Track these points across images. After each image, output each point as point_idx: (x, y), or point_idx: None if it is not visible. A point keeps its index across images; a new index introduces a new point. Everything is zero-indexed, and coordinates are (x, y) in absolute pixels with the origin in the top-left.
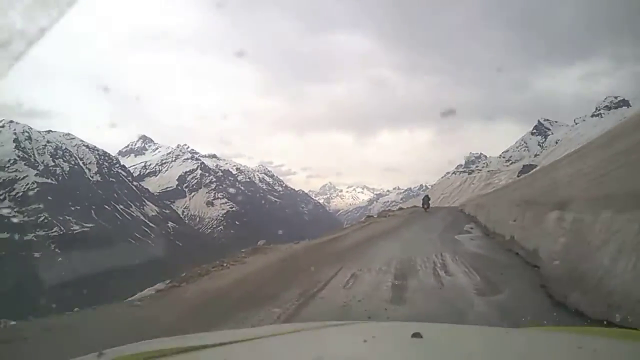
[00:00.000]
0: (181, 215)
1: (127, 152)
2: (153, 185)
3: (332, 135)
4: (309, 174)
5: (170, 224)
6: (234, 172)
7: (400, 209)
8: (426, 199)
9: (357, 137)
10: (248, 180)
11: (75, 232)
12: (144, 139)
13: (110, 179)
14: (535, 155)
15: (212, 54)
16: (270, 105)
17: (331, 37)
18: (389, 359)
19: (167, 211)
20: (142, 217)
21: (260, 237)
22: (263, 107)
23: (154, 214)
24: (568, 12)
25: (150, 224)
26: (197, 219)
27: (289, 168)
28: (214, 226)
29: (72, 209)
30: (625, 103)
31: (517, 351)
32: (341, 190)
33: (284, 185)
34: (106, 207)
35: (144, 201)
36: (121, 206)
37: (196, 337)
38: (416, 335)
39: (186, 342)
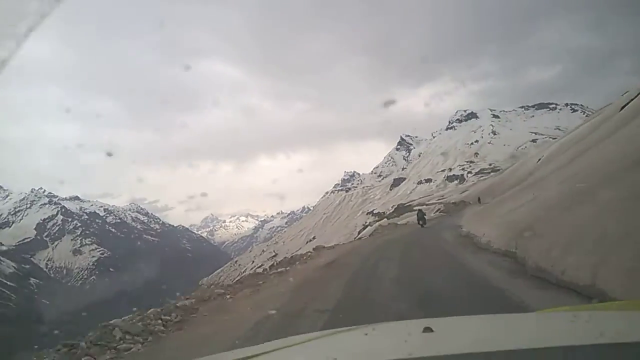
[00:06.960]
0: (44, 269)
1: None
2: (7, 238)
3: (210, 165)
4: (188, 207)
5: (32, 280)
6: (102, 213)
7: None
8: (420, 215)
9: (236, 165)
10: (119, 221)
11: None
12: None
13: None
14: (403, 169)
15: (63, 87)
16: (137, 137)
17: (198, 67)
18: (403, 353)
19: (27, 266)
20: None
21: (137, 283)
22: (129, 140)
23: (11, 270)
24: (412, 42)
25: (9, 283)
26: (65, 271)
27: (166, 204)
28: (85, 277)
29: None
30: (473, 115)
31: (520, 334)
32: (224, 221)
33: (161, 222)
34: None
35: None
36: None
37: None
38: (427, 329)
39: None
